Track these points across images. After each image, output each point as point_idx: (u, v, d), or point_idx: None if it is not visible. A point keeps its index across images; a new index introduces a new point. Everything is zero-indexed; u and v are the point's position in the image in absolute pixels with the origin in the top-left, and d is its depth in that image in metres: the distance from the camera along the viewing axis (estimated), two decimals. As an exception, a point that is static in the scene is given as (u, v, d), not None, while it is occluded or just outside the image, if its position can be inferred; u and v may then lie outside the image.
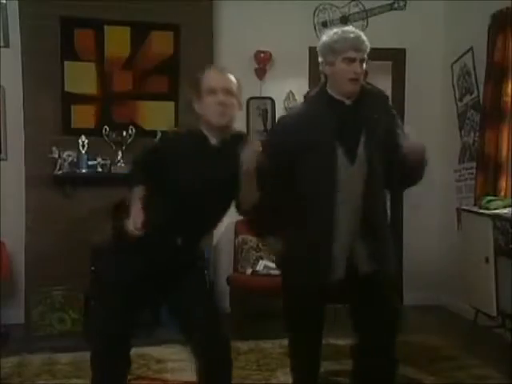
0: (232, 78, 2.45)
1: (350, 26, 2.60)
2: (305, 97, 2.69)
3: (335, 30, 2.54)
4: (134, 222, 2.29)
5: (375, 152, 2.48)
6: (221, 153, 2.43)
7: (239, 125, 4.79)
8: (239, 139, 2.43)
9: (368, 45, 2.51)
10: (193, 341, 2.48)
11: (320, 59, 2.58)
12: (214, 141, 2.44)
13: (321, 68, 2.59)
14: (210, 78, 2.44)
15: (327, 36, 2.54)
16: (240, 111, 2.53)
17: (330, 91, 2.55)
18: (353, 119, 2.50)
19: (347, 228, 2.49)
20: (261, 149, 2.30)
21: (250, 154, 2.29)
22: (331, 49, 2.50)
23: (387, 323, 2.60)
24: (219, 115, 2.38)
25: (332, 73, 2.52)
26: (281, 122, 2.76)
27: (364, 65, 2.51)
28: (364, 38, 2.50)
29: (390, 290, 2.65)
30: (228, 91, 2.40)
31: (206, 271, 2.69)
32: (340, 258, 2.49)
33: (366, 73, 2.57)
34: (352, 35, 2.48)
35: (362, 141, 2.48)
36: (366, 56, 2.50)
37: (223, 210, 2.52)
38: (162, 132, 2.84)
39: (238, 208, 2.48)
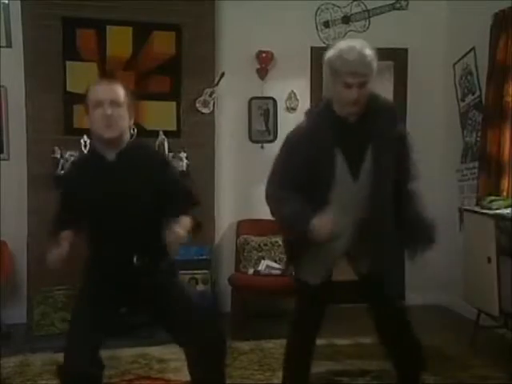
0: (119, 88, 2.40)
1: (358, 42, 2.45)
2: (306, 113, 2.61)
3: (340, 46, 2.43)
4: (55, 256, 2.34)
5: (381, 168, 2.47)
6: (120, 166, 2.40)
7: (241, 125, 4.89)
8: (146, 152, 2.46)
9: (372, 65, 2.40)
10: (183, 341, 2.49)
11: (324, 73, 2.52)
12: (111, 156, 2.42)
13: (324, 80, 2.56)
14: (96, 90, 2.39)
15: (330, 53, 2.44)
16: (131, 121, 2.48)
17: (334, 107, 2.51)
18: (357, 136, 2.47)
19: (350, 240, 2.52)
20: (185, 236, 2.27)
21: (174, 241, 2.27)
22: (331, 70, 2.43)
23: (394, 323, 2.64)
24: (106, 128, 2.34)
25: (333, 92, 2.48)
26: (288, 140, 2.63)
27: (367, 86, 2.41)
28: (367, 59, 2.38)
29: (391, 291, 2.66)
30: (115, 102, 2.35)
31: (174, 278, 2.61)
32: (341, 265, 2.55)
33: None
34: (352, 58, 2.36)
35: (367, 158, 2.47)
36: (367, 78, 2.40)
37: (152, 219, 2.43)
38: (63, 173, 2.79)
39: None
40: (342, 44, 2.44)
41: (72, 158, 4.34)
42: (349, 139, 2.46)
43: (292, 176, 2.48)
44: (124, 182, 2.38)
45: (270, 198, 2.54)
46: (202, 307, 2.58)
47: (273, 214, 2.55)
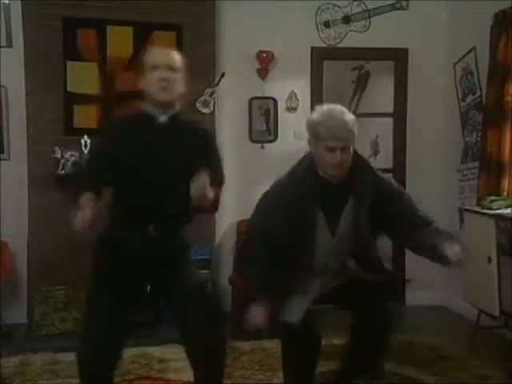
0: (176, 54, 2.46)
1: (338, 108, 2.54)
2: (293, 169, 2.67)
3: (323, 110, 2.53)
4: (81, 220, 2.26)
5: (357, 224, 2.59)
6: (170, 129, 2.43)
7: (241, 125, 4.88)
8: (195, 127, 2.50)
9: (352, 130, 2.50)
10: (186, 336, 2.47)
11: (307, 135, 2.60)
12: (162, 118, 2.44)
13: (308, 143, 2.61)
14: (153, 54, 2.47)
15: (313, 117, 2.53)
16: (185, 89, 2.52)
17: (318, 169, 2.59)
18: (338, 196, 2.58)
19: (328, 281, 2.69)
20: (208, 184, 2.30)
21: (200, 187, 2.30)
22: (313, 133, 2.52)
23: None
24: (162, 90, 2.39)
25: (315, 155, 2.56)
26: (266, 198, 2.70)
27: (350, 150, 2.51)
28: (349, 125, 2.48)
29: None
30: (171, 67, 2.40)
31: (192, 265, 2.63)
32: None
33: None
34: (334, 124, 2.46)
35: (344, 214, 2.59)
36: (349, 142, 2.50)
37: (182, 192, 2.39)
38: (110, 121, 2.76)
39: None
40: (324, 109, 2.54)
41: (73, 159, 4.36)
42: (329, 198, 2.57)
43: (271, 227, 2.56)
44: (172, 145, 2.40)
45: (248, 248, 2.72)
46: (209, 300, 2.58)
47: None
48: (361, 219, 2.59)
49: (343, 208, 2.59)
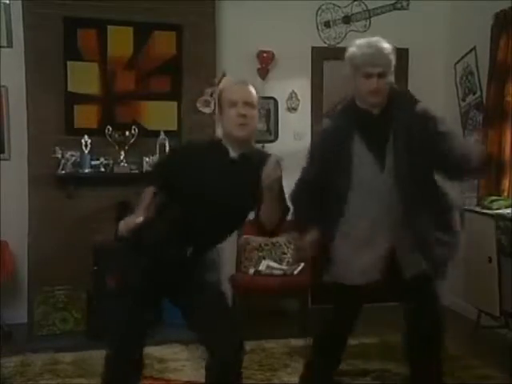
0: (253, 90, 2.45)
1: (375, 38, 2.60)
2: (333, 110, 2.80)
3: (359, 42, 2.60)
4: (128, 222, 2.29)
5: (406, 156, 2.53)
6: (239, 166, 2.42)
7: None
8: (262, 157, 2.37)
9: (389, 57, 2.54)
10: (206, 340, 2.47)
11: (347, 70, 2.65)
12: (233, 154, 2.44)
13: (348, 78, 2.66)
14: (232, 90, 2.45)
15: (350, 50, 2.60)
16: (258, 124, 2.53)
17: (357, 102, 2.65)
18: (380, 128, 2.57)
19: (386, 231, 2.59)
20: (281, 171, 2.27)
21: (271, 171, 2.24)
22: (351, 63, 2.58)
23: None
24: (240, 127, 2.38)
25: (354, 86, 2.61)
26: (317, 136, 2.89)
27: (387, 78, 2.55)
28: (385, 51, 2.54)
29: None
30: (249, 103, 2.40)
31: (218, 284, 2.61)
32: (379, 261, 2.60)
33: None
34: (370, 50, 2.52)
35: (389, 148, 2.56)
36: (386, 69, 2.54)
37: (235, 226, 2.54)
38: (188, 140, 2.78)
39: (261, 226, 2.44)
40: (361, 40, 2.60)
41: (73, 159, 4.36)
42: (372, 131, 2.56)
43: (316, 170, 2.64)
44: (236, 183, 2.39)
45: (292, 196, 2.64)
46: (231, 315, 2.58)
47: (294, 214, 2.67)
48: (402, 154, 2.54)
49: (388, 141, 2.57)
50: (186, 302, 2.51)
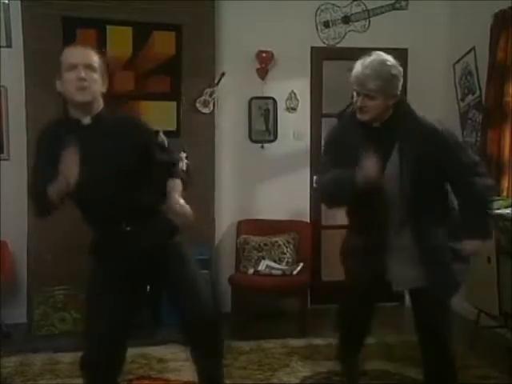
0: (93, 53, 2.41)
1: (380, 58, 2.56)
2: (339, 115, 2.88)
3: (365, 59, 2.57)
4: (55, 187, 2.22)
5: (407, 171, 2.55)
6: (96, 129, 2.38)
7: (241, 125, 4.88)
8: (119, 115, 2.45)
9: (387, 82, 2.51)
10: (184, 324, 2.50)
11: None
12: (86, 120, 2.40)
13: None
14: (71, 53, 2.41)
15: (356, 62, 2.61)
16: (104, 88, 2.50)
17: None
18: (379, 141, 2.57)
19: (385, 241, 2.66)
20: (190, 216, 2.29)
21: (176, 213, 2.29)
22: (351, 76, 2.61)
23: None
24: (80, 91, 2.34)
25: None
26: (327, 137, 2.92)
27: (378, 99, 2.53)
28: (383, 75, 2.50)
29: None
30: (88, 66, 2.36)
31: (182, 248, 2.59)
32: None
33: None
34: (366, 71, 2.51)
35: (391, 161, 2.58)
36: (378, 93, 2.52)
37: (133, 182, 2.41)
38: (38, 138, 2.69)
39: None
40: (368, 58, 2.57)
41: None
42: (372, 143, 2.55)
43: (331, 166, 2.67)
44: (101, 145, 2.36)
45: (319, 185, 2.76)
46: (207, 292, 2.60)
47: (324, 194, 2.77)
48: (406, 167, 2.55)
49: (390, 153, 2.59)
50: (163, 289, 2.57)
